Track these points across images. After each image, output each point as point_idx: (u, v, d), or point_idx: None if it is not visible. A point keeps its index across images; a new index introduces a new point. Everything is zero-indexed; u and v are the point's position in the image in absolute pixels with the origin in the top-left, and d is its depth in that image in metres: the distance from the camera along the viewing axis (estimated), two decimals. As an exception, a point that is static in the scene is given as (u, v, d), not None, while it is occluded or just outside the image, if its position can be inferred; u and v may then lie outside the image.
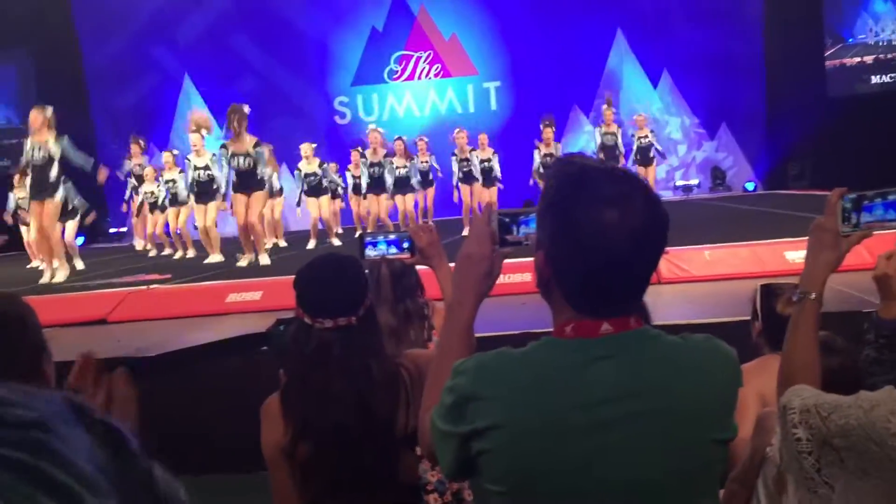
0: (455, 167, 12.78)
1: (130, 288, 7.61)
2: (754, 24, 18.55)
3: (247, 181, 9.66)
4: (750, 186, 18.84)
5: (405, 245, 1.95)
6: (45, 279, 9.16)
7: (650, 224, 1.22)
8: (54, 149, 9.03)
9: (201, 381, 4.70)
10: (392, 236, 1.99)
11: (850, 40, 18.17)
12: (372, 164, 12.46)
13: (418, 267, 2.99)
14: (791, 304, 1.67)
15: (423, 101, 20.33)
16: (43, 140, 9.08)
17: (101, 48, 19.63)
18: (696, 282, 6.28)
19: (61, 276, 9.22)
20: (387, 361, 2.06)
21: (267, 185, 10.57)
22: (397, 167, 12.57)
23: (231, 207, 10.31)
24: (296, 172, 13.31)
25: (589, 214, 1.20)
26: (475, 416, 1.22)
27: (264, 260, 9.55)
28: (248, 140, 9.80)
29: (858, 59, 18.06)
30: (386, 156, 12.60)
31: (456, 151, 12.91)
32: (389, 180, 12.41)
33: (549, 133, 12.62)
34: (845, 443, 1.42)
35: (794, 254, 5.92)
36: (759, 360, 2.65)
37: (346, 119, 20.38)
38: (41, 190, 9.10)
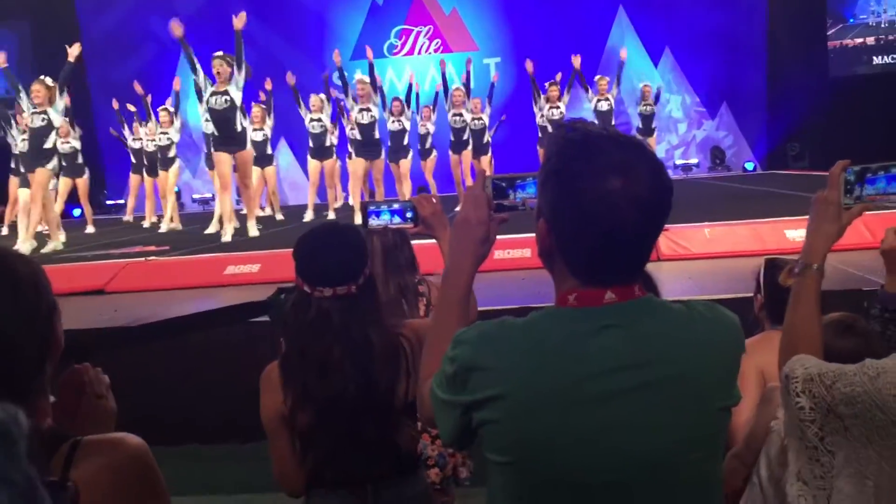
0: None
1: (128, 259, 7.60)
2: (757, 2, 18.43)
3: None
4: (749, 166, 18.81)
5: (408, 214, 1.94)
6: (24, 248, 8.80)
7: (656, 191, 1.20)
8: (54, 116, 9.06)
9: (200, 350, 4.71)
10: (395, 205, 1.98)
11: (852, 21, 18.05)
12: (361, 111, 11.82)
13: (418, 241, 2.99)
14: (792, 275, 1.67)
15: (423, 76, 20.20)
16: (43, 109, 9.12)
17: (99, 19, 19.51)
18: (696, 259, 6.29)
19: (52, 246, 9.22)
20: (387, 331, 2.05)
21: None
22: (393, 122, 12.22)
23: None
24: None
25: (594, 183, 1.17)
26: (477, 387, 1.21)
27: (253, 230, 9.45)
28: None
29: (860, 40, 17.96)
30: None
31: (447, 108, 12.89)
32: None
33: (554, 91, 12.85)
34: (850, 410, 1.41)
35: (795, 232, 5.92)
36: (760, 336, 2.65)
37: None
38: (35, 157, 9.09)
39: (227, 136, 9.29)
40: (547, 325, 1.23)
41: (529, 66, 13.38)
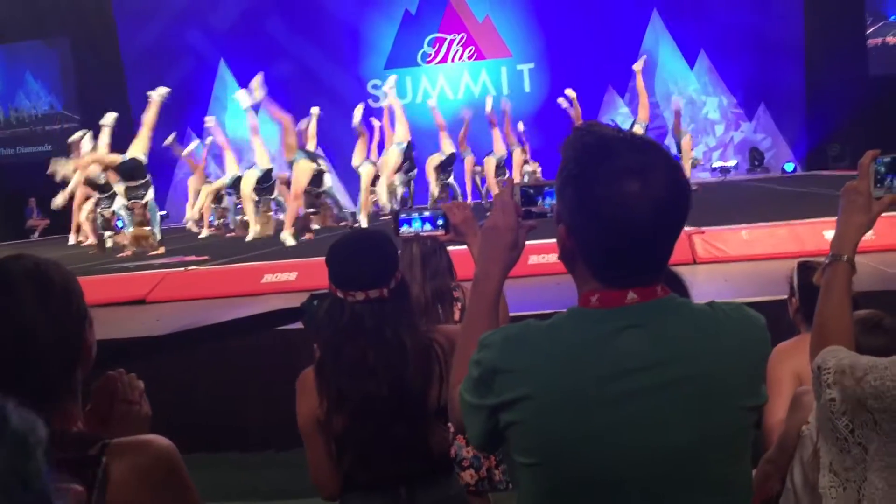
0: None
1: (168, 269, 7.72)
2: (793, 1, 18.18)
3: None
4: (789, 167, 18.54)
5: (439, 222, 1.94)
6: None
7: (672, 193, 1.20)
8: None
9: (236, 357, 4.77)
10: (426, 213, 1.99)
11: (893, 18, 17.72)
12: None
13: (455, 248, 3.01)
14: (823, 270, 1.65)
15: (456, 83, 20.27)
16: None
17: (138, 34, 19.88)
18: (733, 261, 6.21)
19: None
20: (420, 335, 2.07)
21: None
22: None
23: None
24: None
25: (609, 187, 1.18)
26: (502, 389, 1.22)
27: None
28: None
29: (902, 37, 17.64)
30: None
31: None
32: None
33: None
34: (880, 405, 1.40)
35: (833, 233, 5.82)
36: (795, 339, 2.62)
37: (380, 102, 20.34)
38: None
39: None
40: (570, 327, 1.24)
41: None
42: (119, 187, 10.77)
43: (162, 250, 10.32)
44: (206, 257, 8.87)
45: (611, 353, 1.19)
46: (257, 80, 11.13)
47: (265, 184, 11.88)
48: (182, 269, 7.72)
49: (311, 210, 11.63)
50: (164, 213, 11.94)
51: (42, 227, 19.26)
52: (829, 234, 6.15)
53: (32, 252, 1.34)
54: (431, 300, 3.08)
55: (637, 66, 14.33)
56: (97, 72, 19.28)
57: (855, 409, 1.42)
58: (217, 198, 14.32)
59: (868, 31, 17.75)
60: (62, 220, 18.85)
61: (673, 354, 1.20)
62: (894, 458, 1.41)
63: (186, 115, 19.27)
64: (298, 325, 4.04)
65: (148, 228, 10.47)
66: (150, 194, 10.58)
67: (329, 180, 11.45)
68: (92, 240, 12.68)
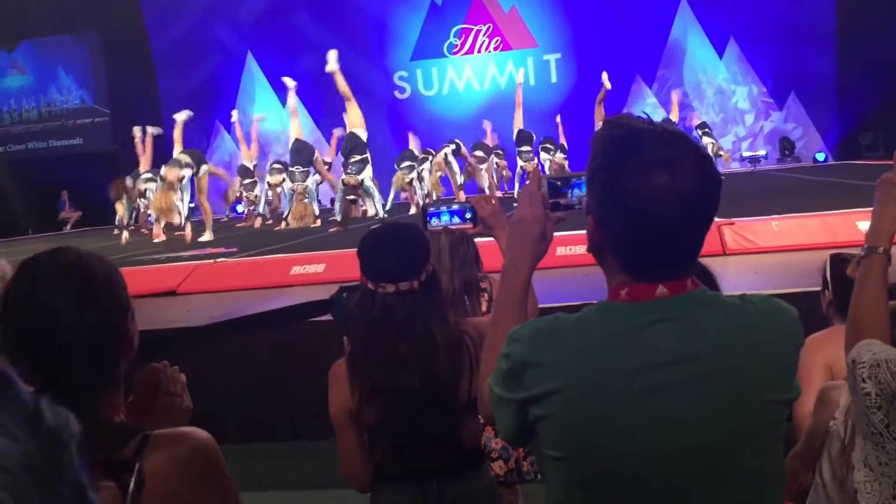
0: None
1: (198, 261, 7.81)
2: (825, -11, 17.92)
3: None
4: (820, 157, 18.28)
5: (468, 215, 1.95)
6: (206, 237, 11.26)
7: (701, 186, 1.19)
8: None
9: (267, 349, 4.81)
10: (455, 206, 1.99)
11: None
12: None
13: (481, 239, 3.01)
14: (859, 263, 1.63)
15: (482, 74, 20.21)
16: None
17: (167, 29, 20.03)
18: (764, 253, 6.14)
19: (208, 236, 11.25)
20: (450, 327, 2.08)
21: None
22: None
23: None
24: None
25: (637, 180, 1.17)
26: (532, 383, 1.22)
27: None
28: None
29: (937, 23, 17.27)
30: None
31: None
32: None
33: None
34: None
35: (867, 224, 5.72)
36: (827, 331, 2.59)
37: (406, 94, 20.40)
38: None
39: None
40: (599, 320, 1.24)
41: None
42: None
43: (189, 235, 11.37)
44: (234, 249, 8.95)
45: (640, 347, 1.19)
46: (333, 55, 12.34)
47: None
48: (211, 260, 7.80)
49: (350, 198, 11.86)
50: (192, 204, 12.11)
51: (74, 220, 19.55)
52: (863, 226, 6.08)
53: (73, 244, 1.37)
54: (460, 291, 3.09)
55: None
56: (127, 66, 19.47)
57: (890, 403, 1.41)
58: (251, 185, 14.78)
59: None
60: (94, 213, 19.19)
61: (703, 348, 1.19)
62: None
63: (214, 108, 19.44)
64: (328, 316, 4.08)
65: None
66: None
67: (369, 171, 11.64)
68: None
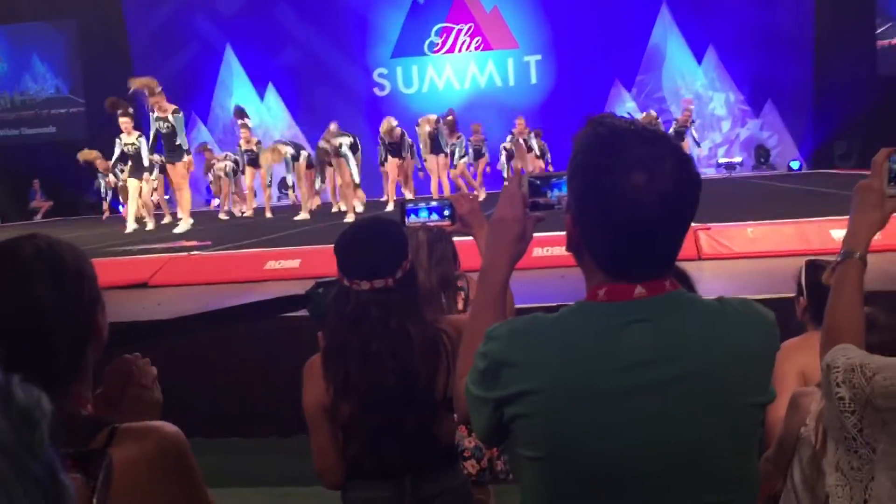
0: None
1: (171, 254, 7.73)
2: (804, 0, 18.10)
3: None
4: (795, 165, 18.51)
5: (446, 213, 1.94)
6: (182, 229, 11.01)
7: (681, 186, 1.18)
8: (173, 120, 11.01)
9: (240, 343, 4.77)
10: (433, 203, 1.98)
11: (902, 20, 17.61)
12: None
13: (459, 238, 3.00)
14: (835, 270, 1.64)
15: (462, 74, 20.22)
16: (164, 115, 10.97)
17: (145, 19, 19.84)
18: (739, 258, 6.20)
19: (184, 227, 11.01)
20: (426, 325, 2.07)
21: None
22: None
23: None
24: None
25: (617, 177, 1.17)
26: (509, 382, 1.21)
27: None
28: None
29: (908, 40, 17.53)
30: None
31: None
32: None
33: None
34: (888, 404, 1.39)
35: (840, 232, 5.76)
36: (801, 337, 2.61)
37: (386, 91, 20.35)
38: (171, 153, 11.06)
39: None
40: (577, 320, 1.23)
41: None
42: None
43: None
44: (208, 242, 8.87)
45: (618, 348, 1.18)
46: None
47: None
48: (185, 253, 7.72)
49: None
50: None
51: (45, 209, 19.31)
52: (836, 234, 6.15)
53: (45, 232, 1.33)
54: (437, 288, 3.07)
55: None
56: (104, 56, 19.24)
57: (864, 408, 1.41)
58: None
59: (878, 32, 17.64)
60: (66, 203, 18.96)
61: (680, 349, 1.19)
62: None
63: (191, 100, 19.24)
64: (302, 312, 4.05)
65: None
66: None
67: (348, 142, 12.12)
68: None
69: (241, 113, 14.63)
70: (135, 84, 11.21)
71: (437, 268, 3.08)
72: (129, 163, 12.20)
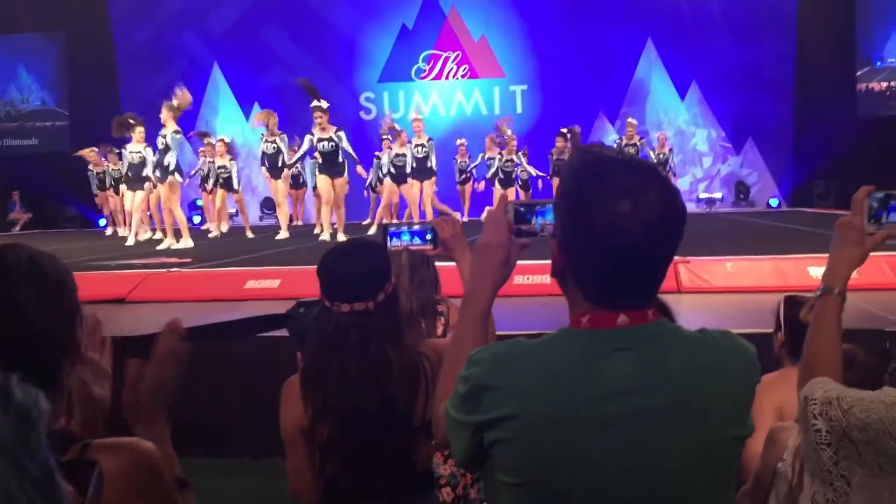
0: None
1: (151, 270, 7.67)
2: (787, 41, 18.41)
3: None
4: (774, 202, 18.73)
5: (428, 236, 1.94)
6: (163, 246, 10.99)
7: (666, 216, 1.19)
8: (170, 139, 11.10)
9: (217, 362, 4.72)
10: (416, 227, 1.98)
11: (879, 64, 17.96)
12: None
13: (441, 263, 3.00)
14: (814, 306, 1.65)
15: (449, 101, 20.34)
16: (166, 132, 11.15)
17: (133, 34, 19.81)
18: (717, 293, 6.24)
19: (185, 243, 11.01)
20: (406, 349, 2.06)
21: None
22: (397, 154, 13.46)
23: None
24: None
25: (602, 205, 1.18)
26: (489, 407, 1.21)
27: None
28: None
29: (886, 84, 17.86)
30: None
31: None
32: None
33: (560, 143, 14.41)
34: (864, 437, 1.40)
35: (818, 269, 5.87)
36: (779, 372, 2.62)
37: (372, 115, 20.40)
38: (160, 170, 11.17)
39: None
40: (559, 347, 1.24)
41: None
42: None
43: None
44: (188, 259, 8.81)
45: (599, 376, 1.18)
46: None
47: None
48: (164, 269, 7.67)
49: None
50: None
51: (24, 221, 19.13)
52: (813, 271, 6.21)
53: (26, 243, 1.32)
54: (417, 312, 3.07)
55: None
56: (90, 70, 19.19)
57: (840, 440, 1.42)
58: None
59: (858, 74, 17.97)
60: (45, 215, 18.79)
61: (661, 379, 1.19)
62: (875, 493, 1.42)
63: (178, 117, 19.17)
64: (281, 332, 4.03)
65: None
66: None
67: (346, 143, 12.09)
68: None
69: (203, 134, 14.89)
70: (177, 102, 11.51)
71: (419, 291, 3.08)
72: (129, 174, 12.15)
